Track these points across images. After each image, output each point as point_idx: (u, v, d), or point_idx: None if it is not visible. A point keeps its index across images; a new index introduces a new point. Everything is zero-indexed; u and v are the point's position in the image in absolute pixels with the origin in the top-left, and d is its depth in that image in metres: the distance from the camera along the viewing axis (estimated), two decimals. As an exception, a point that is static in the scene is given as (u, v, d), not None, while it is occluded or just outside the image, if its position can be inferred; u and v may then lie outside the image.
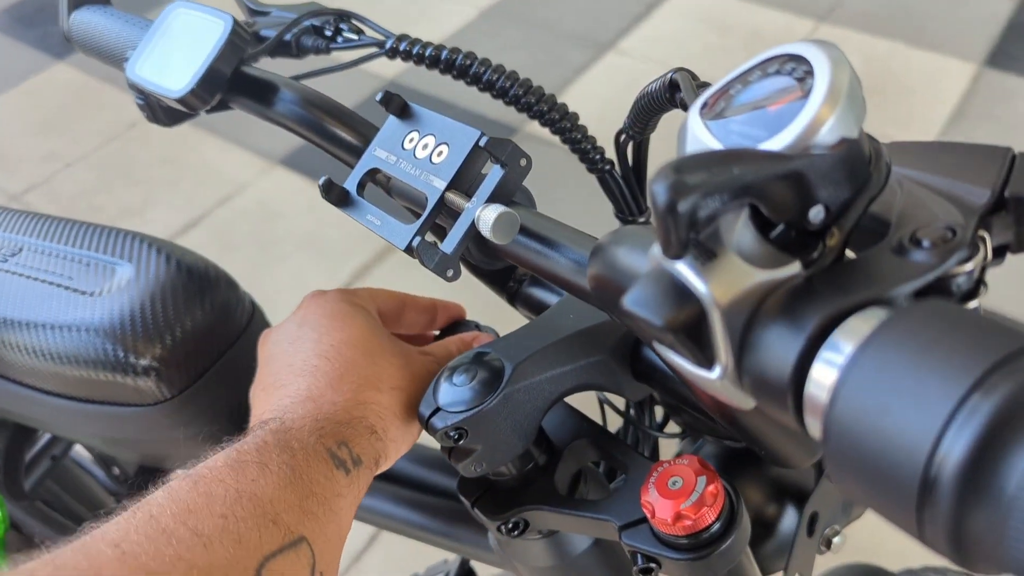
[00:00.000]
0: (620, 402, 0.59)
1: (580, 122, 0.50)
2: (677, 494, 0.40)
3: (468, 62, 0.49)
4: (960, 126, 2.07)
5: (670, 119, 0.46)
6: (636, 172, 0.52)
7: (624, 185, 0.52)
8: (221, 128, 2.25)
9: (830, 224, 0.23)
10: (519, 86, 0.49)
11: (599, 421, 0.53)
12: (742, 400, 0.23)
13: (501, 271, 0.55)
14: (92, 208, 2.08)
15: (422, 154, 0.40)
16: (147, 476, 0.66)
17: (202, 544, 0.31)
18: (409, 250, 0.37)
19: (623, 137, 0.51)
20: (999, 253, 0.25)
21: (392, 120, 0.43)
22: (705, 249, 0.22)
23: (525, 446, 0.44)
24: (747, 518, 0.42)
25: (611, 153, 0.51)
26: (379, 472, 0.43)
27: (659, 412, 0.59)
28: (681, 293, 0.22)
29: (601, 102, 2.09)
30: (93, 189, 2.15)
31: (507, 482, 0.46)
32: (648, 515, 0.40)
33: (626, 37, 2.44)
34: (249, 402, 0.57)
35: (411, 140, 0.41)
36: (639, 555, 0.41)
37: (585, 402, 0.52)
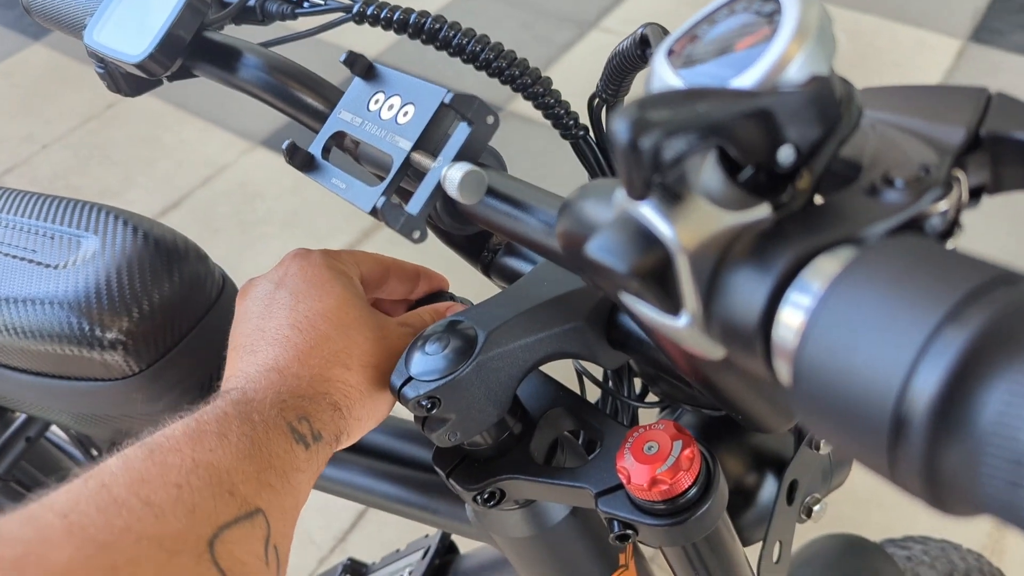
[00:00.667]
0: (598, 375, 0.58)
1: (553, 87, 0.48)
2: (653, 459, 0.39)
3: (437, 26, 0.48)
4: (944, 101, 2.06)
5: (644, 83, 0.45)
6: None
7: (599, 151, 0.51)
8: (201, 108, 2.22)
9: (800, 166, 0.22)
10: (490, 50, 0.47)
11: (577, 393, 0.52)
12: (711, 349, 0.22)
13: (475, 241, 0.54)
14: (70, 189, 2.05)
15: (387, 115, 0.39)
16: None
17: (154, 514, 0.31)
18: (374, 212, 0.36)
19: (596, 101, 0.50)
20: (974, 195, 0.24)
21: (357, 82, 0.41)
22: (671, 192, 0.21)
23: (500, 415, 0.43)
24: (724, 483, 0.41)
25: (585, 120, 0.50)
26: (340, 448, 0.43)
27: (638, 385, 0.58)
28: (647, 238, 0.21)
29: (585, 80, 2.07)
30: (71, 170, 2.12)
31: (482, 452, 0.45)
32: (624, 481, 0.40)
33: (609, 15, 2.42)
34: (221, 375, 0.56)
35: (376, 101, 0.40)
36: (616, 522, 0.41)
37: (564, 375, 0.51)
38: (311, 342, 0.43)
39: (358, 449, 0.55)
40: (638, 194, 0.20)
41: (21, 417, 0.86)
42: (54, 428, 0.99)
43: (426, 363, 0.42)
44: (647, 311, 0.23)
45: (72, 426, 0.73)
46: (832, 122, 0.22)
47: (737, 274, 0.21)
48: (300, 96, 0.47)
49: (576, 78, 2.19)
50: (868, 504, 1.35)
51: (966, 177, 0.23)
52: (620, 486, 0.41)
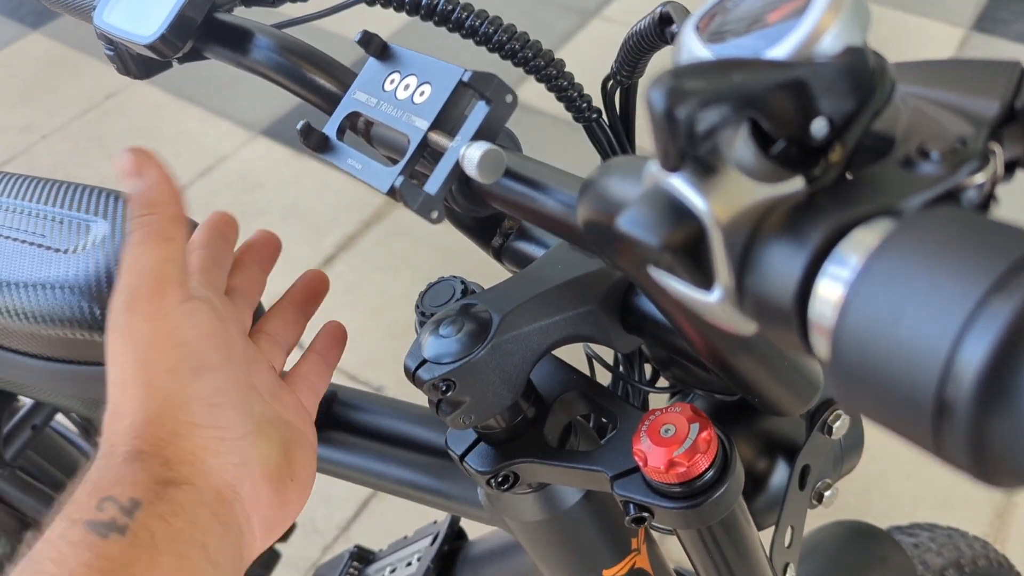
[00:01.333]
0: (609, 362, 0.58)
1: (567, 70, 0.48)
2: (670, 442, 0.39)
3: (450, 7, 0.47)
4: (946, 91, 2.06)
5: (658, 64, 0.44)
6: (624, 120, 0.51)
7: (612, 135, 0.51)
8: (201, 98, 2.21)
9: (833, 139, 0.22)
10: (503, 31, 0.47)
11: (591, 378, 0.52)
12: (743, 324, 0.22)
13: (487, 226, 0.54)
14: (70, 179, 2.04)
15: (403, 95, 0.38)
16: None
17: None
18: (392, 192, 0.36)
19: (611, 83, 0.49)
20: (1009, 168, 0.24)
21: (372, 62, 0.41)
22: (704, 165, 0.21)
23: (514, 398, 0.43)
24: (741, 466, 0.41)
25: (599, 102, 0.49)
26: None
27: (648, 371, 0.58)
28: (679, 211, 0.21)
29: (587, 69, 2.06)
30: (71, 160, 2.12)
31: (496, 435, 0.45)
32: (640, 463, 0.40)
33: (610, 4, 2.41)
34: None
35: (392, 81, 0.39)
36: (631, 505, 0.41)
37: (575, 361, 0.51)
38: None
39: (369, 434, 0.55)
40: (673, 165, 0.20)
41: (27, 405, 0.86)
42: (60, 418, 0.99)
43: (441, 346, 0.42)
44: (679, 286, 0.22)
45: (81, 412, 0.73)
46: (866, 94, 0.22)
47: (771, 247, 0.21)
48: (313, 78, 0.46)
49: (577, 67, 2.18)
50: (870, 493, 1.36)
51: (1002, 150, 0.23)
52: (636, 469, 0.41)
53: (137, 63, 0.53)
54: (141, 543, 0.31)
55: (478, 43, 0.48)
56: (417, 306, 0.52)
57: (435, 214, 0.35)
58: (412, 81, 0.38)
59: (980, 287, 0.16)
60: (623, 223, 0.22)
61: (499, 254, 0.54)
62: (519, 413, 0.45)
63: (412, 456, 0.54)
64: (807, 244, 0.20)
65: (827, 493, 0.57)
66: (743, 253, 0.21)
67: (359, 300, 1.73)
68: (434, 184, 0.35)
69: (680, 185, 0.21)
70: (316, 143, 0.40)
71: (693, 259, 0.21)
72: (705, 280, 0.22)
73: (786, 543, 0.54)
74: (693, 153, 0.21)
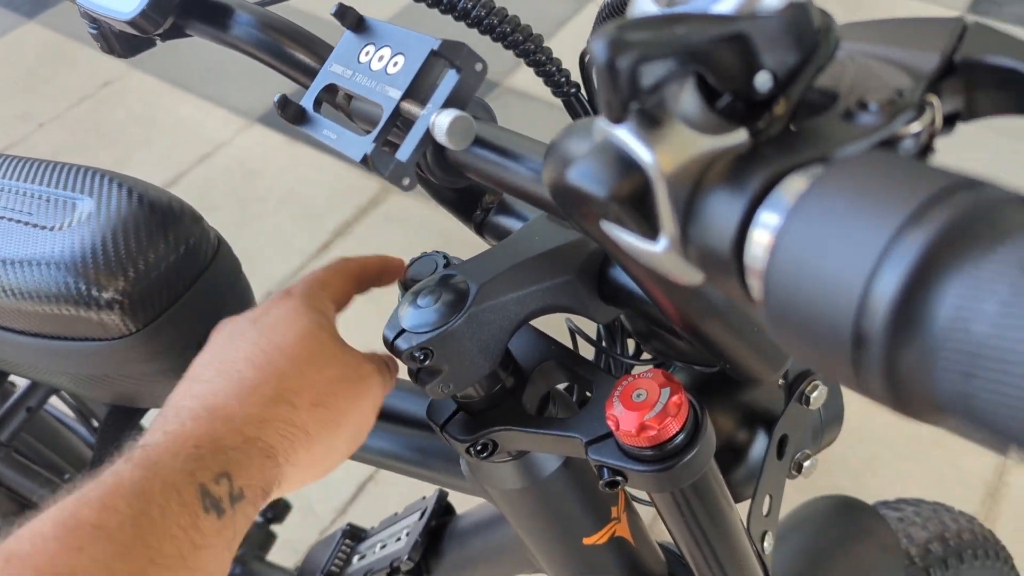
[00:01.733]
0: (592, 335, 0.58)
1: (545, 45, 0.49)
2: (641, 406, 0.40)
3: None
4: (942, 74, 2.06)
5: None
6: (603, 94, 0.51)
7: (591, 108, 0.51)
8: (197, 86, 2.21)
9: (777, 93, 0.22)
10: (482, 6, 0.48)
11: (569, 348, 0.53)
12: (690, 274, 0.23)
13: (467, 200, 0.54)
14: (67, 169, 2.05)
15: (378, 66, 0.39)
16: (119, 417, 0.66)
17: None
18: (364, 160, 0.36)
19: (587, 58, 0.50)
20: (949, 121, 0.24)
21: (348, 35, 0.42)
22: (650, 117, 0.22)
23: (492, 367, 0.44)
24: (712, 430, 0.42)
25: (577, 77, 0.50)
26: (270, 500, 0.39)
27: (632, 346, 0.59)
28: (626, 163, 0.22)
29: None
30: (68, 148, 2.12)
31: (475, 404, 0.46)
32: (613, 428, 0.40)
33: (607, -12, 2.40)
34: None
35: (367, 53, 0.40)
36: (605, 469, 0.41)
37: (560, 337, 0.51)
38: (260, 378, 0.40)
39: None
40: (616, 116, 0.20)
41: (21, 388, 0.87)
42: (55, 400, 1.00)
43: (419, 316, 0.43)
44: (628, 238, 0.23)
45: (72, 389, 0.74)
46: (809, 49, 0.22)
47: (713, 196, 0.21)
48: (292, 52, 0.47)
49: (573, 52, 2.18)
50: (863, 473, 1.37)
51: (940, 102, 0.23)
52: (609, 434, 0.41)
53: (120, 41, 0.53)
54: (223, 536, 0.35)
55: (457, 18, 0.48)
56: (400, 281, 0.53)
57: (406, 181, 0.35)
58: (386, 52, 0.39)
59: (894, 223, 0.17)
60: (572, 176, 0.22)
61: (480, 228, 0.55)
62: (497, 382, 0.46)
63: (398, 428, 0.55)
64: (745, 192, 0.21)
65: (806, 463, 0.58)
66: (687, 203, 0.22)
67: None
68: (405, 151, 0.35)
69: (626, 138, 0.21)
70: (293, 115, 0.41)
71: (639, 210, 0.22)
72: (651, 230, 0.22)
73: (764, 512, 0.54)
74: (639, 106, 0.21)
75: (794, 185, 0.20)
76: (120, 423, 0.66)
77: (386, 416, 0.55)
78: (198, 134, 2.12)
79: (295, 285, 0.46)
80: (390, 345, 0.43)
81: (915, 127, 0.22)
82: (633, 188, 0.21)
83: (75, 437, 1.03)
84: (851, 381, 0.18)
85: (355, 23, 0.41)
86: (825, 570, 0.76)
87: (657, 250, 0.22)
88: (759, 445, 0.55)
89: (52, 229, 0.53)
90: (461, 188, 0.53)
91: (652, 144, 0.21)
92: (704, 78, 0.22)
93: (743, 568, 0.49)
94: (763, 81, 0.22)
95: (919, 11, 2.24)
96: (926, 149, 0.22)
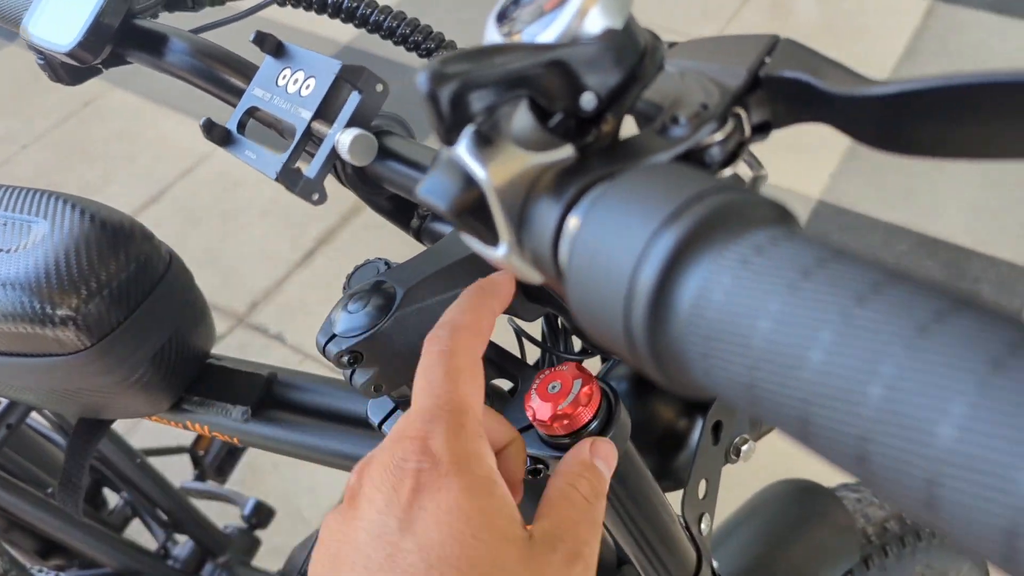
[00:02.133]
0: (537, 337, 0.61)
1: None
2: (556, 396, 0.42)
3: (355, 4, 0.51)
4: (915, 60, 2.09)
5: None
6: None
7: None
8: (178, 102, 2.24)
9: (603, 111, 0.25)
10: (406, 25, 0.50)
11: (517, 355, 0.55)
12: (532, 275, 0.25)
13: (403, 209, 0.57)
14: (52, 187, 2.07)
15: (293, 88, 0.41)
16: (87, 428, 0.68)
17: None
18: (277, 177, 0.39)
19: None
20: (762, 129, 0.27)
21: (268, 60, 0.44)
22: (483, 137, 0.24)
23: (420, 367, 0.46)
24: (626, 416, 0.45)
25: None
26: None
27: (578, 343, 0.61)
28: (465, 179, 0.24)
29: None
30: (52, 168, 2.15)
31: (410, 402, 0.48)
32: (531, 418, 0.43)
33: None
34: (173, 348, 0.59)
35: (284, 77, 0.42)
36: (527, 459, 0.44)
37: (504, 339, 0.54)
38: None
39: (305, 411, 0.58)
40: (445, 139, 0.23)
41: (1, 405, 0.90)
42: (35, 415, 1.02)
43: (349, 321, 0.45)
44: (476, 244, 0.26)
45: (40, 404, 0.76)
46: (631, 69, 0.25)
47: (538, 205, 0.24)
48: (224, 77, 0.49)
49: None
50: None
51: (747, 114, 0.26)
52: (530, 425, 0.44)
53: (67, 70, 0.56)
54: None
55: (383, 37, 0.51)
56: (344, 287, 0.55)
57: (316, 196, 0.38)
58: (300, 76, 0.41)
59: (655, 223, 0.19)
60: (421, 191, 0.25)
61: (418, 234, 0.57)
62: (428, 381, 0.48)
63: (344, 428, 0.57)
64: (561, 200, 0.23)
65: (744, 448, 0.60)
66: (520, 212, 0.24)
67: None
68: (313, 169, 0.38)
69: (463, 155, 0.24)
70: (219, 137, 0.43)
71: (481, 220, 0.24)
72: (492, 238, 0.25)
73: (701, 495, 0.57)
74: (475, 127, 0.24)
75: (593, 192, 0.22)
76: (88, 434, 0.68)
77: (334, 417, 0.58)
78: (180, 148, 2.15)
79: (427, 430, 0.33)
80: (322, 350, 0.45)
81: (718, 136, 0.24)
82: (471, 201, 0.24)
83: (58, 450, 1.05)
84: (633, 364, 0.21)
85: (274, 48, 0.44)
86: (780, 553, 0.79)
87: (499, 255, 0.25)
88: (698, 432, 0.58)
89: (8, 251, 0.56)
90: (396, 198, 0.55)
91: (485, 161, 0.24)
92: (535, 100, 0.25)
93: (672, 549, 0.52)
94: (588, 100, 0.25)
95: (889, 3, 2.27)
96: (733, 156, 0.25)
